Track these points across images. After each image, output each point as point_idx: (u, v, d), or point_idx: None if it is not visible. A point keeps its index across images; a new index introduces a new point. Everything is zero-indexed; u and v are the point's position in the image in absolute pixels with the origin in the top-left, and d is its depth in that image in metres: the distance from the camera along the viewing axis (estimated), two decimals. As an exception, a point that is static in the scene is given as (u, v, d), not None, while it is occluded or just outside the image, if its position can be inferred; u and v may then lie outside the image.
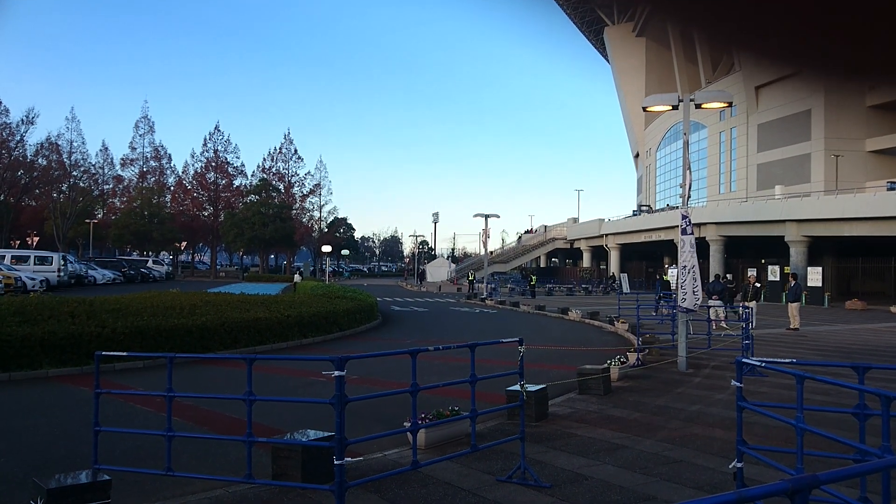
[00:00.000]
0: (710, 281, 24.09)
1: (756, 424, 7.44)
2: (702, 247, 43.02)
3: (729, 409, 8.31)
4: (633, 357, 12.83)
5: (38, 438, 7.44)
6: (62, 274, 37.84)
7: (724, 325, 19.09)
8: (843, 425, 6.59)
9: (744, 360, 5.65)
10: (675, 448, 6.99)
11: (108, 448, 6.09)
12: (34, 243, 59.16)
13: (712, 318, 17.47)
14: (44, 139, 63.19)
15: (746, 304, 19.06)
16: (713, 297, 20.87)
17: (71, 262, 41.52)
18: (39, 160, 61.36)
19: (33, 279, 33.76)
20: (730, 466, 5.53)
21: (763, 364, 5.77)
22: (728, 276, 32.75)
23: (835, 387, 4.63)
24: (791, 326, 21.09)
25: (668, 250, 53.62)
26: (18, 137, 56.43)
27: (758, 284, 23.22)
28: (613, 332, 20.68)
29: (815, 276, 36.67)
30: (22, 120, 56.04)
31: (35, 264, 37.60)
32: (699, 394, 10.20)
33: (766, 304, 33.91)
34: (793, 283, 23.19)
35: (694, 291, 12.38)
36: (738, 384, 5.27)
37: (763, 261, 45.22)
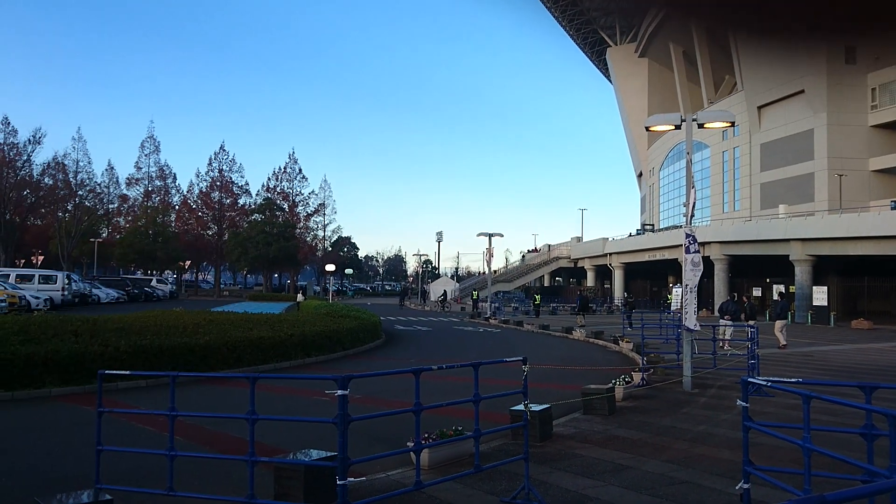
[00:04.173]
0: (724, 301, 24.11)
1: (763, 445, 7.37)
2: (706, 266, 42.86)
3: (735, 429, 8.25)
4: (637, 377, 12.75)
5: (41, 458, 7.41)
6: (66, 293, 37.90)
7: (729, 347, 18.97)
8: (850, 446, 6.53)
9: (749, 379, 5.61)
10: (681, 469, 6.92)
11: (111, 468, 6.05)
12: (39, 262, 59.45)
13: (719, 337, 17.35)
14: (50, 159, 63.73)
15: (750, 322, 18.97)
16: (725, 317, 20.75)
17: (75, 281, 41.58)
18: (45, 180, 61.74)
19: (37, 298, 33.81)
20: (736, 487, 5.47)
21: (769, 384, 5.73)
22: (734, 294, 32.70)
23: (842, 406, 4.59)
24: (779, 345, 20.73)
25: (672, 269, 53.52)
26: (25, 157, 56.89)
27: (745, 301, 23.56)
28: (618, 351, 20.58)
29: (820, 296, 36.51)
30: (29, 140, 56.54)
31: (39, 283, 37.64)
32: (705, 414, 10.13)
33: (768, 324, 33.65)
34: (779, 300, 23.05)
35: (695, 310, 12.35)
36: (743, 404, 5.23)
37: (768, 280, 45.08)
